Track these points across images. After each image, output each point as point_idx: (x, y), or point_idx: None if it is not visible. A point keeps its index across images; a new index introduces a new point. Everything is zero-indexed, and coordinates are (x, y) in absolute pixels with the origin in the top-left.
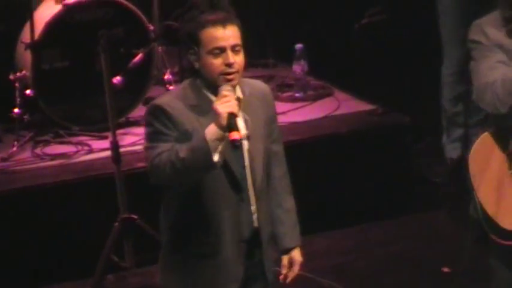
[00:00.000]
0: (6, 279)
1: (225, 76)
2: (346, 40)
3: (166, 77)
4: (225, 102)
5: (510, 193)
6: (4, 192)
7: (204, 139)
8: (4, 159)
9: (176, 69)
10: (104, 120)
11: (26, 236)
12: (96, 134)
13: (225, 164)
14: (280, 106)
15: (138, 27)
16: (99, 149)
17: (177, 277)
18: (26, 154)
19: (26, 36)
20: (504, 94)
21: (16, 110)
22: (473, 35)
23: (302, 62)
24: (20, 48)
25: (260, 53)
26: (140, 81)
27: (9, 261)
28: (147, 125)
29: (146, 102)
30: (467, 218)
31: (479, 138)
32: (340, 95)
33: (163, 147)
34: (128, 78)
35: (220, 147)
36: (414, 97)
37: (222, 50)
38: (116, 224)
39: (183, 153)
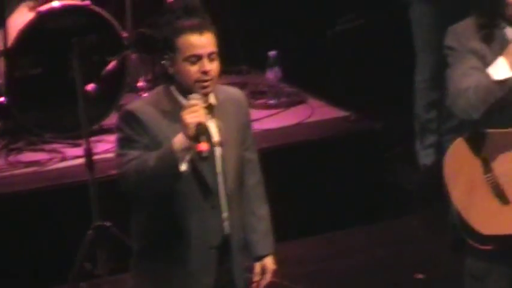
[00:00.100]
0: None
1: (201, 83)
2: (319, 47)
3: (139, 84)
4: (193, 112)
5: (484, 197)
6: None
7: (172, 148)
8: None
9: (150, 76)
10: (78, 127)
11: None
12: (70, 141)
13: (196, 171)
14: (254, 113)
15: (112, 35)
16: (72, 156)
17: (148, 285)
18: None
19: None
20: (476, 100)
21: None
22: (448, 41)
23: (275, 69)
24: None
25: (233, 59)
26: (114, 89)
27: None
28: (118, 130)
29: (120, 109)
30: (441, 224)
31: (453, 144)
32: (313, 101)
33: (134, 154)
34: (102, 85)
35: (187, 157)
36: (387, 104)
37: (199, 58)
38: (90, 231)
39: (151, 162)
